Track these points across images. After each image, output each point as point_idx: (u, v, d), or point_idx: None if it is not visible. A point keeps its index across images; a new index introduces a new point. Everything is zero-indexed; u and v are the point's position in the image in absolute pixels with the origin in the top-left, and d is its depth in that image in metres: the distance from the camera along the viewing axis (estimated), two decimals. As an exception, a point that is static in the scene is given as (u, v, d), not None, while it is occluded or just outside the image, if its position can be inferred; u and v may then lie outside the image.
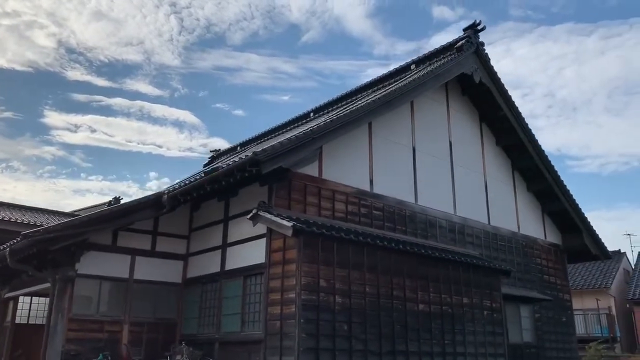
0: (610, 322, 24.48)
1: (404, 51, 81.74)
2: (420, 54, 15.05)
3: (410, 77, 13.94)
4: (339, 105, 17.08)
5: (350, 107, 12.96)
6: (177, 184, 18.30)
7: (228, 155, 22.17)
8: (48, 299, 14.07)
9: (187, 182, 10.56)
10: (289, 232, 8.91)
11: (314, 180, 10.73)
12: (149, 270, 11.46)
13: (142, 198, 10.77)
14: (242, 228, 10.59)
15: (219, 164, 19.54)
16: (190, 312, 11.55)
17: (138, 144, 69.55)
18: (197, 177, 10.22)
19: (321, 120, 15.79)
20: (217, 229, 11.44)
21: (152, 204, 10.63)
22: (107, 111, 67.24)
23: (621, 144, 68.77)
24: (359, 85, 17.10)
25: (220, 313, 10.70)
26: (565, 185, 16.07)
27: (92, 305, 10.62)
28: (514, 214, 15.80)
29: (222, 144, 76.01)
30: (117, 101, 67.77)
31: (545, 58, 72.14)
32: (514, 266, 14.45)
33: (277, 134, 19.58)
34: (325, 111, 17.67)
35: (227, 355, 10.19)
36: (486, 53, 14.49)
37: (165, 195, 10.55)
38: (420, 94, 12.86)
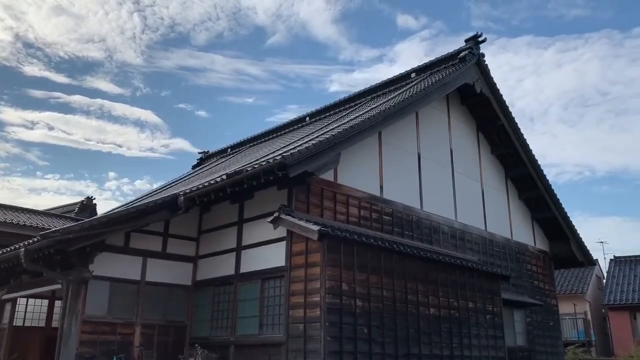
0: (586, 326, 25.39)
1: (368, 57, 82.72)
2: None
3: (414, 85, 14.24)
4: (336, 111, 17.25)
5: (361, 114, 13.15)
6: (163, 184, 18.05)
7: (218, 157, 22.01)
8: (45, 301, 13.89)
9: (205, 184, 10.51)
10: (315, 236, 8.99)
11: (330, 185, 10.87)
12: (159, 272, 11.35)
13: (158, 199, 10.67)
14: (258, 231, 10.61)
15: (210, 165, 19.45)
16: (201, 315, 11.47)
17: (97, 142, 68.18)
18: (217, 179, 10.19)
19: (319, 125, 15.96)
20: (230, 231, 11.41)
21: (168, 205, 10.54)
22: (65, 108, 65.67)
23: (575, 154, 71.53)
24: (354, 93, 17.34)
25: (235, 316, 10.66)
26: (556, 194, 16.65)
27: (105, 308, 10.43)
28: (508, 221, 16.27)
29: (185, 145, 75.27)
30: (77, 99, 66.25)
31: (506, 69, 74.34)
32: (508, 272, 14.84)
33: (272, 136, 19.62)
34: (322, 116, 17.84)
35: (244, 358, 10.16)
36: (486, 64, 14.93)
37: (182, 197, 10.48)
38: (428, 102, 13.15)
